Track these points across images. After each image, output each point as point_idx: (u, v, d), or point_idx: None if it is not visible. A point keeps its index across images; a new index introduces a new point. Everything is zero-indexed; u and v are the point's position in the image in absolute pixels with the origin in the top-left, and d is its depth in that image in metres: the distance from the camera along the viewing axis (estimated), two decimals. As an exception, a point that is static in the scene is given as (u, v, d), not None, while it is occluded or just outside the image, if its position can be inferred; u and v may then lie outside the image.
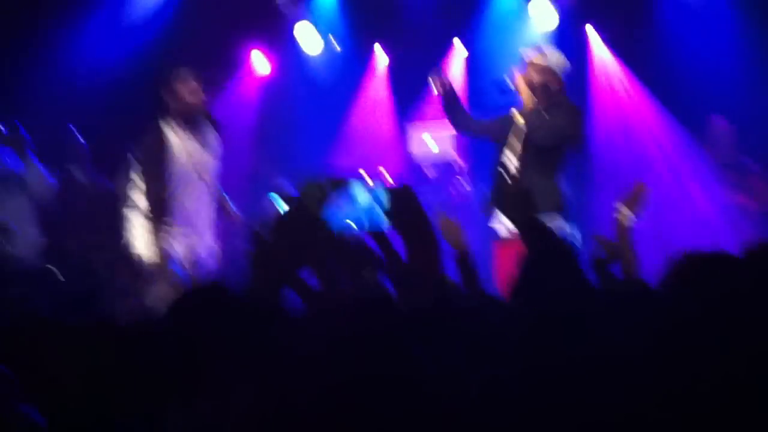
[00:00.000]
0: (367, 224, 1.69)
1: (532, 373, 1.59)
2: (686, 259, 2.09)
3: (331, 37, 8.55)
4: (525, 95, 5.20)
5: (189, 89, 5.31)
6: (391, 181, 7.22)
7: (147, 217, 5.28)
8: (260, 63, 8.71)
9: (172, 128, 5.35)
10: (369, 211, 1.66)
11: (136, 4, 7.94)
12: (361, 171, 6.91)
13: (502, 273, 4.96)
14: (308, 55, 8.61)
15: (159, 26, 7.78)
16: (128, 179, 5.46)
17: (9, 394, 1.98)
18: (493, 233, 5.18)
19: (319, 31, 8.50)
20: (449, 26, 8.37)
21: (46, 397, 2.08)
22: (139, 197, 5.34)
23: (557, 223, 4.83)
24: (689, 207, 7.62)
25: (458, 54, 8.56)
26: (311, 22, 8.46)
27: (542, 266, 2.65)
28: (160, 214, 5.27)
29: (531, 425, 1.54)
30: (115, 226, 5.60)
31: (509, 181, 4.62)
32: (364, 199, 1.68)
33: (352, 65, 8.70)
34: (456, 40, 8.51)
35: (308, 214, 1.61)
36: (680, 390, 1.68)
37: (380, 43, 8.74)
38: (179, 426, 1.83)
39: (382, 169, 7.65)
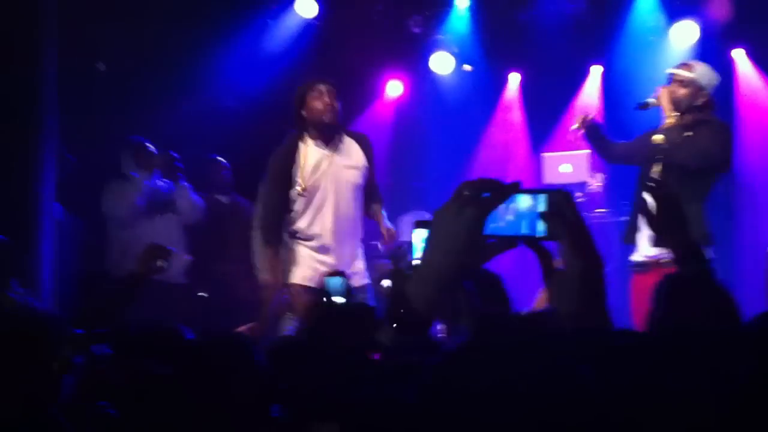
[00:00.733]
0: (524, 230, 1.66)
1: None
2: None
3: (466, 66, 8.55)
4: (668, 110, 4.84)
5: (323, 102, 5.10)
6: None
7: (266, 235, 5.13)
8: (395, 89, 8.80)
9: (307, 142, 5.15)
10: (528, 215, 1.64)
11: (273, 35, 8.15)
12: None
13: (638, 305, 4.64)
14: (440, 76, 8.58)
15: (295, 56, 7.97)
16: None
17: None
18: (632, 264, 4.91)
19: (452, 53, 8.46)
20: (586, 49, 8.19)
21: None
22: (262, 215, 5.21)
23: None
24: None
25: (594, 79, 8.39)
26: (444, 42, 8.42)
27: (695, 295, 2.45)
28: (278, 230, 5.11)
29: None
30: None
31: (663, 201, 4.46)
32: (525, 204, 1.67)
33: (485, 87, 8.62)
34: (593, 68, 8.34)
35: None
36: None
37: (514, 66, 8.66)
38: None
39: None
